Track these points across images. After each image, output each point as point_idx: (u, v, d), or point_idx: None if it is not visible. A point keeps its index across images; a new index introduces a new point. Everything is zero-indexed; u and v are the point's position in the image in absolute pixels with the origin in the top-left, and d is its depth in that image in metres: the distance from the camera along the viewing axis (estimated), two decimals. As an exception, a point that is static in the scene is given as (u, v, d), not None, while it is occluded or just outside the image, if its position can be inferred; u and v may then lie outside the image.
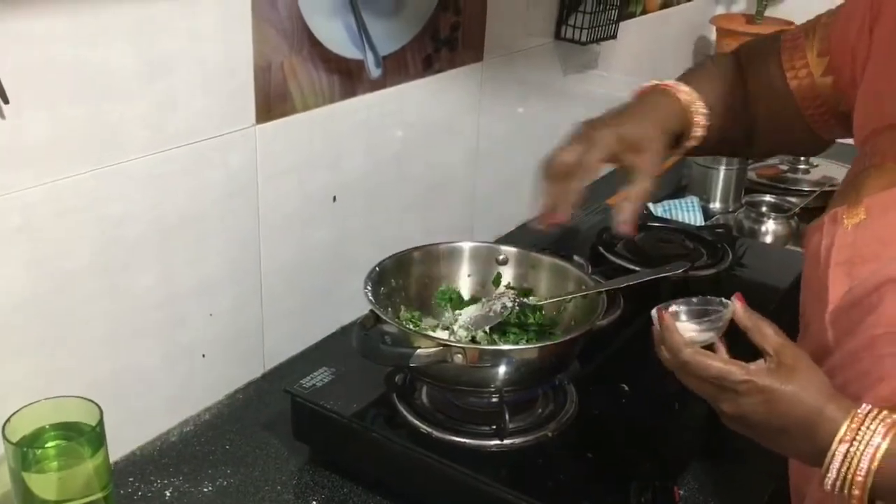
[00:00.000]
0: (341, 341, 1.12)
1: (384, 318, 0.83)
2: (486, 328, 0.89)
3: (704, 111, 0.86)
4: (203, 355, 1.00)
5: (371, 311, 0.85)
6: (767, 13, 1.95)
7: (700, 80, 0.90)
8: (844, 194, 0.71)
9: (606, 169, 0.82)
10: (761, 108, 0.90)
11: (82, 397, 0.77)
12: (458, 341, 0.87)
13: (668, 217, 1.46)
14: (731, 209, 1.57)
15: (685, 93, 0.86)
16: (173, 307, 0.95)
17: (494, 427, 0.84)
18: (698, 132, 0.86)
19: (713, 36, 2.02)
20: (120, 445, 0.91)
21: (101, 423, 0.76)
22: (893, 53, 0.71)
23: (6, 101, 0.72)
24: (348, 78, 1.08)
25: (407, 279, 0.94)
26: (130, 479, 0.90)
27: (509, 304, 0.89)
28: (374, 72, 1.11)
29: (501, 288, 0.95)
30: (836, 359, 0.68)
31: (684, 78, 0.89)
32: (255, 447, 0.96)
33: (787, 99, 0.86)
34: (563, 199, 0.79)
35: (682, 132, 0.86)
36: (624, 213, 0.78)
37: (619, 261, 1.20)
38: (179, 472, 0.92)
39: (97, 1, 0.77)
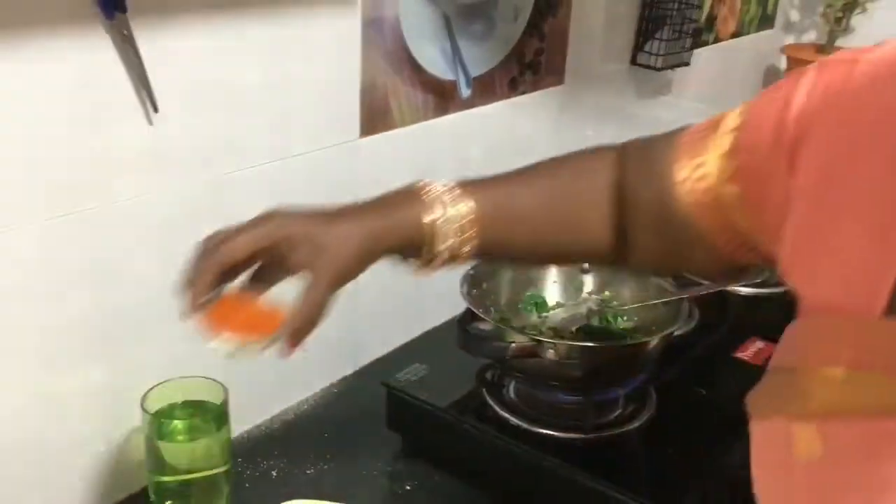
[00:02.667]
0: (428, 342, 1.19)
1: (480, 315, 0.90)
2: (573, 329, 0.95)
3: (464, 221, 0.67)
4: (304, 349, 1.08)
5: (468, 308, 0.91)
6: (838, 43, 1.99)
7: (510, 183, 0.72)
8: (785, 390, 0.51)
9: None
10: (645, 227, 0.69)
11: (210, 378, 0.85)
12: (548, 340, 0.93)
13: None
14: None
15: (436, 200, 0.68)
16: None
17: (579, 422, 0.90)
18: (443, 254, 0.68)
19: (783, 65, 2.06)
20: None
21: (226, 401, 0.84)
22: (828, 218, 0.50)
23: (156, 110, 0.81)
24: (442, 97, 1.16)
25: (497, 283, 1.01)
26: (239, 458, 0.98)
27: (595, 308, 0.96)
28: (465, 92, 1.19)
29: (585, 294, 1.01)
30: None
31: (478, 181, 0.71)
32: (352, 436, 1.03)
33: (680, 214, 0.64)
34: (196, 275, 0.65)
35: (417, 246, 0.68)
36: (289, 330, 0.65)
37: (692, 276, 1.25)
38: (284, 456, 0.99)
39: (233, 24, 0.87)
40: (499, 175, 0.73)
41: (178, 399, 0.85)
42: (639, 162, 0.69)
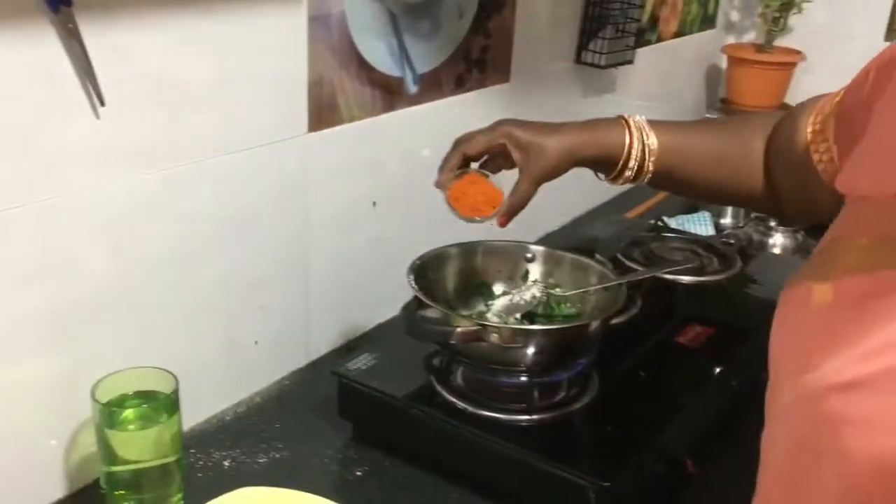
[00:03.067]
0: (380, 335, 1.22)
1: (427, 301, 0.92)
2: (517, 315, 0.98)
3: (652, 149, 0.90)
4: (256, 342, 1.10)
5: (414, 296, 0.94)
6: (776, 42, 2.06)
7: (683, 128, 0.94)
8: (817, 262, 0.64)
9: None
10: (790, 187, 0.88)
11: (161, 368, 0.86)
12: (492, 326, 0.96)
13: (682, 229, 1.56)
14: (741, 224, 1.66)
15: (636, 129, 0.90)
16: (230, 297, 1.04)
17: (524, 405, 0.93)
18: (632, 166, 0.91)
19: (724, 64, 2.12)
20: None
21: (176, 391, 0.86)
22: (882, 125, 0.65)
23: (103, 104, 0.82)
24: (389, 93, 1.19)
25: (444, 273, 1.04)
26: (192, 450, 0.99)
27: (538, 295, 0.99)
28: (412, 88, 1.22)
29: (529, 282, 1.05)
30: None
31: (662, 122, 0.93)
32: (303, 426, 1.05)
33: (818, 182, 0.81)
34: (446, 162, 0.92)
35: (612, 162, 0.91)
36: (503, 208, 0.90)
37: (635, 266, 1.30)
38: (236, 447, 1.01)
39: (179, 19, 0.88)
40: (679, 122, 0.96)
41: (129, 389, 0.86)
42: (783, 135, 0.88)
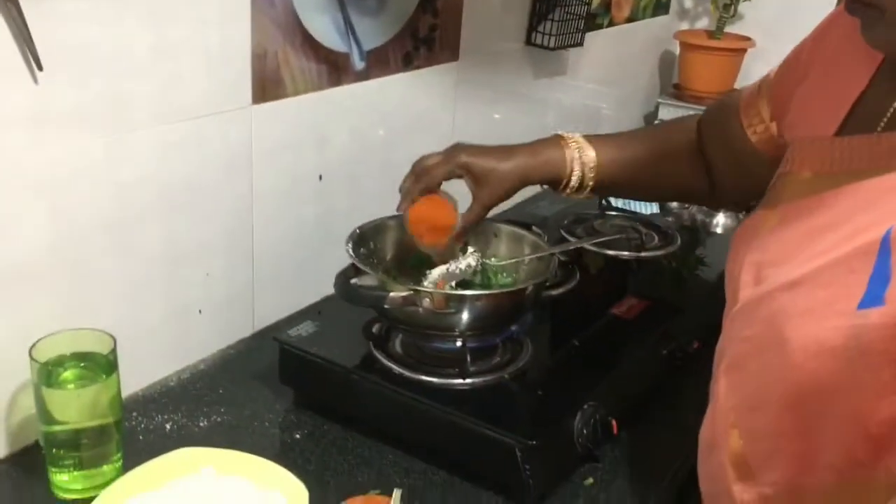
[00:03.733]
0: (324, 307, 1.23)
1: (362, 267, 0.95)
2: (452, 283, 1.00)
3: (590, 165, 0.99)
4: (200, 311, 1.12)
5: (351, 263, 0.96)
6: (727, 29, 2.10)
7: (616, 139, 1.03)
8: (768, 196, 0.78)
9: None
10: (725, 165, 0.98)
11: (98, 329, 0.88)
12: (427, 291, 0.99)
13: (627, 208, 1.59)
14: (686, 205, 1.70)
15: (574, 149, 0.99)
16: (174, 266, 1.06)
17: (458, 370, 0.96)
18: (574, 182, 0.99)
19: (677, 50, 2.16)
20: (124, 387, 1.01)
21: (114, 351, 0.87)
22: (829, 68, 0.78)
23: (40, 68, 0.84)
24: (335, 68, 1.20)
25: (383, 243, 1.06)
26: (134, 413, 1.01)
27: (473, 264, 1.02)
28: (359, 64, 1.24)
29: (467, 253, 1.07)
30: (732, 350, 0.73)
31: (597, 136, 1.02)
32: (246, 392, 1.07)
33: (753, 154, 0.90)
34: (407, 193, 0.98)
35: (558, 180, 0.99)
36: (458, 229, 0.99)
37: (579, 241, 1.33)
38: (178, 410, 1.03)
39: (119, -12, 0.89)
40: (614, 133, 1.06)
41: (67, 350, 0.87)
42: (713, 123, 1.00)
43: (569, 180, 0.99)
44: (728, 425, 0.70)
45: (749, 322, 0.68)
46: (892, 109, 0.68)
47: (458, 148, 0.98)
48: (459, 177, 0.97)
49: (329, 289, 1.27)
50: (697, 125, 1.03)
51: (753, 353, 0.67)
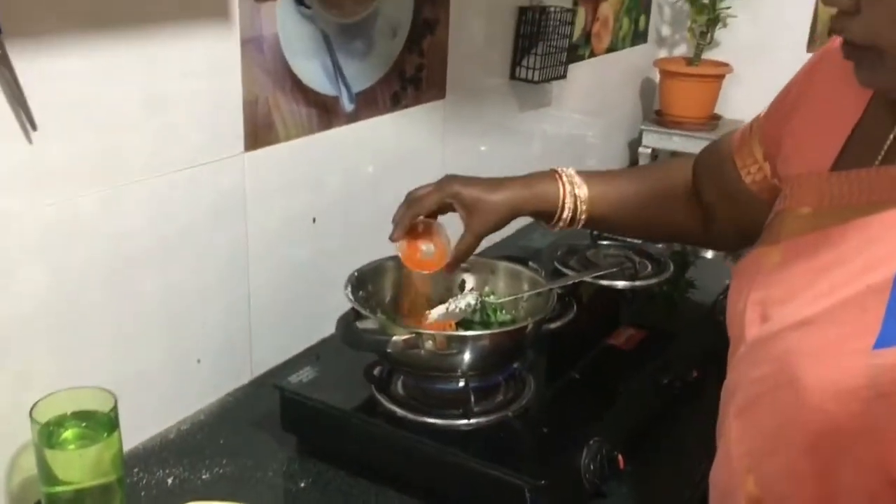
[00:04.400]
0: (322, 350, 1.23)
1: (363, 312, 0.94)
2: (453, 323, 1.00)
3: (582, 200, 0.98)
4: (198, 361, 1.11)
5: (351, 307, 0.96)
6: (704, 56, 2.13)
7: (611, 177, 1.03)
8: (767, 233, 0.76)
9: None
10: (721, 208, 0.96)
11: (98, 387, 0.87)
12: (429, 333, 0.98)
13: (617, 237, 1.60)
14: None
15: (567, 183, 0.99)
16: (171, 315, 1.05)
17: (462, 410, 0.96)
18: (566, 216, 0.99)
19: (657, 77, 2.19)
20: (124, 442, 1.00)
21: (115, 409, 0.86)
22: (821, 103, 0.77)
23: (34, 128, 0.84)
24: (325, 112, 1.21)
25: (382, 285, 1.06)
26: (135, 469, 1.00)
27: (472, 302, 1.02)
28: (348, 106, 1.25)
29: (465, 291, 1.08)
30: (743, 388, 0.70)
31: (591, 173, 1.02)
32: (247, 441, 1.06)
33: (748, 196, 0.89)
34: (400, 221, 0.97)
35: (549, 213, 0.99)
36: (449, 260, 0.99)
37: (572, 273, 1.34)
38: (179, 464, 1.01)
39: (107, 43, 0.90)
40: (609, 171, 1.07)
41: (68, 410, 0.86)
42: (707, 166, 0.98)
43: (561, 214, 0.99)
44: (743, 470, 0.68)
45: (758, 362, 0.67)
46: (888, 141, 0.67)
47: (449, 178, 0.98)
48: (451, 206, 0.97)
49: (325, 331, 1.28)
50: (693, 167, 1.01)
51: (765, 394, 0.65)
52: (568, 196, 0.98)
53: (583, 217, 1.00)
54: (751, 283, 0.72)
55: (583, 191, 0.99)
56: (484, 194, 0.96)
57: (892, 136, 0.67)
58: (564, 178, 0.99)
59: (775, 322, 0.66)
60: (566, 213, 0.99)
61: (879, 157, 0.67)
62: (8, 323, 0.87)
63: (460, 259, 0.98)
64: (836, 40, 0.74)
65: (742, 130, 0.92)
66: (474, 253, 1.00)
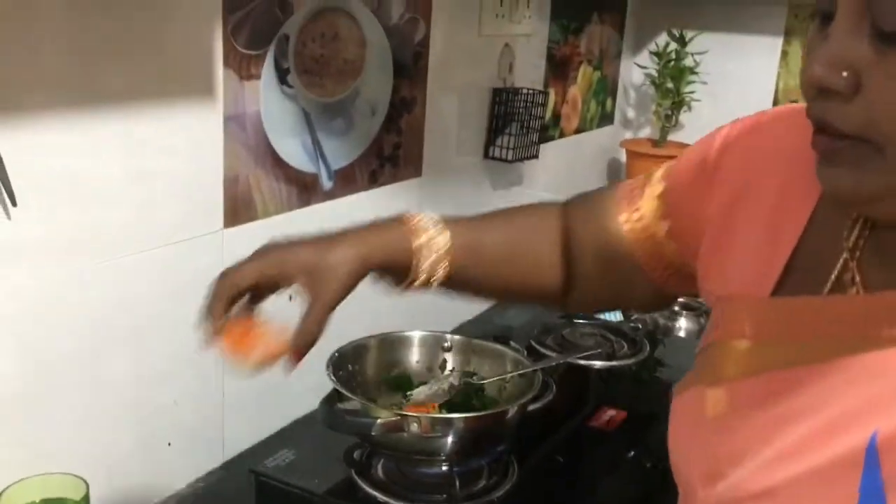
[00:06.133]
0: (294, 430, 1.20)
1: (346, 394, 0.92)
2: (437, 405, 0.99)
3: (443, 249, 0.76)
4: (169, 444, 1.07)
5: (334, 389, 0.94)
6: (669, 138, 2.19)
7: (473, 222, 0.81)
8: (701, 366, 0.64)
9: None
10: (587, 258, 0.79)
11: (69, 473, 0.83)
12: (412, 416, 0.96)
13: (591, 315, 1.61)
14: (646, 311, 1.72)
15: (420, 229, 0.76)
16: (143, 396, 1.02)
17: (446, 495, 0.93)
18: (424, 269, 0.75)
19: (624, 157, 2.24)
20: (91, 530, 0.96)
21: (86, 497, 0.82)
22: (754, 200, 0.64)
23: (14, 204, 0.82)
24: (304, 189, 1.21)
25: (363, 364, 1.05)
26: (102, 559, 0.95)
27: (455, 383, 1.00)
28: (327, 184, 1.25)
29: (447, 371, 1.06)
30: None
31: (453, 218, 0.80)
32: (220, 528, 1.02)
33: (621, 248, 0.76)
34: (212, 310, 0.73)
35: (402, 266, 0.75)
36: (293, 345, 0.72)
37: (549, 352, 1.33)
38: (148, 554, 0.97)
39: (88, 120, 0.89)
40: (470, 216, 0.83)
41: (38, 497, 0.82)
42: (583, 211, 0.81)
43: (416, 267, 0.75)
44: None
45: None
46: (840, 262, 0.56)
47: (269, 246, 0.75)
48: (274, 282, 0.73)
49: (300, 412, 1.25)
50: (564, 209, 0.83)
51: None
52: (423, 247, 0.75)
53: (442, 271, 0.76)
54: (695, 430, 0.61)
55: (443, 238, 0.76)
56: (320, 255, 0.73)
57: (842, 257, 0.56)
58: (416, 224, 0.76)
59: (731, 485, 0.56)
60: (423, 266, 0.75)
61: (829, 282, 0.56)
62: (-25, 405, 0.83)
63: (310, 341, 0.72)
64: (770, 115, 0.66)
65: (634, 182, 0.77)
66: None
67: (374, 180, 1.35)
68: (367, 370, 1.05)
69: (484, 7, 1.54)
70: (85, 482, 0.83)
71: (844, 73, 0.48)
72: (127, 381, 0.99)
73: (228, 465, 1.15)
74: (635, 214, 0.74)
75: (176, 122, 0.98)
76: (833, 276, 0.56)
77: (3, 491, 0.79)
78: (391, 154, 1.38)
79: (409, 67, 1.37)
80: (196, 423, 1.11)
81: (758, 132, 0.67)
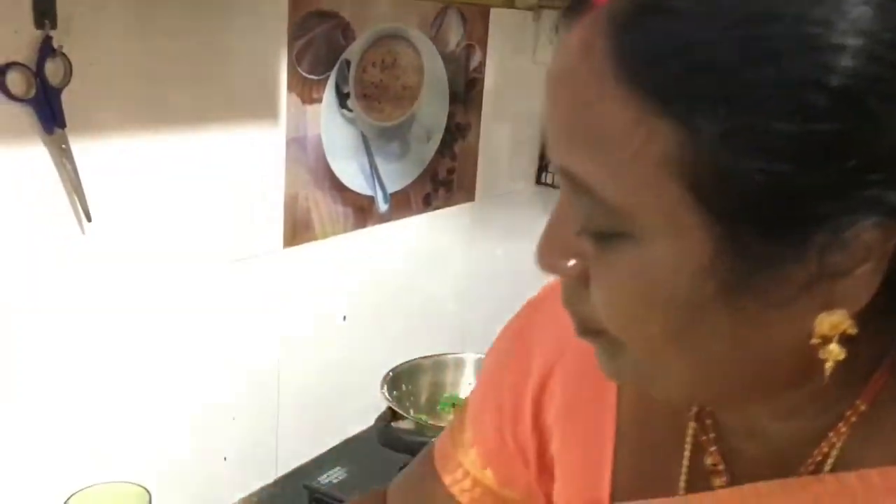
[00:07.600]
0: (347, 449, 1.21)
1: (400, 412, 0.93)
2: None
3: None
4: (225, 458, 1.09)
5: (388, 407, 0.95)
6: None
7: None
8: None
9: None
10: None
11: (132, 482, 0.85)
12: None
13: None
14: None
15: None
16: (201, 411, 1.04)
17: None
18: None
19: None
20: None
21: (149, 504, 0.85)
22: (563, 445, 0.55)
23: (89, 219, 0.85)
24: (360, 211, 1.23)
25: (417, 385, 1.06)
26: (159, 570, 0.97)
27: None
28: (383, 206, 1.27)
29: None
30: None
31: None
32: (273, 543, 1.03)
33: None
34: None
35: None
36: None
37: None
38: (203, 565, 0.99)
39: (158, 140, 0.92)
40: None
41: (101, 504, 0.85)
42: (405, 490, 0.66)
43: None
44: None
45: None
46: (685, 458, 0.48)
47: None
48: None
49: (352, 430, 1.26)
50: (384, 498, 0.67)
51: None
52: None
53: None
54: None
55: None
56: None
57: (687, 451, 0.48)
58: None
59: None
60: None
61: (682, 479, 0.48)
62: (47, 415, 0.86)
63: None
64: (538, 299, 0.57)
65: (441, 440, 0.64)
66: None
67: (427, 204, 1.37)
68: (422, 391, 1.06)
69: (539, 34, 1.56)
70: (147, 491, 0.85)
71: (571, 262, 0.39)
72: (188, 395, 1.02)
73: (281, 481, 1.17)
74: (463, 478, 0.62)
75: (240, 144, 1.02)
76: (684, 471, 0.48)
77: (70, 498, 0.82)
78: (445, 179, 1.40)
79: (465, 94, 1.40)
80: (252, 439, 1.13)
81: (541, 316, 0.57)
